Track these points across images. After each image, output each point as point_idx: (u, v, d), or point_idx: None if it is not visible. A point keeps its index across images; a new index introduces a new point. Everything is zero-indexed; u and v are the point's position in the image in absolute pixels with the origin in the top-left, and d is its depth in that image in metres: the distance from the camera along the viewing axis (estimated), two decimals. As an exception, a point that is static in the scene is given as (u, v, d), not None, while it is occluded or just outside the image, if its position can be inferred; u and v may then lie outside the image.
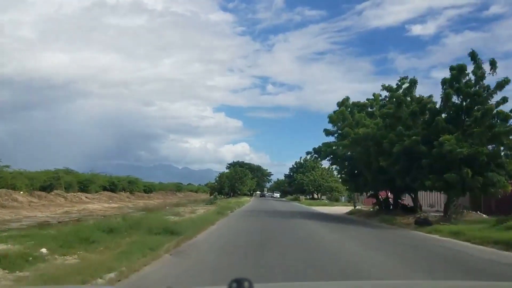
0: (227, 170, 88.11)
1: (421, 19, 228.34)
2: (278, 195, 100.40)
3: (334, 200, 63.44)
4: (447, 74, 19.60)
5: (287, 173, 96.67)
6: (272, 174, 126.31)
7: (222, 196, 71.97)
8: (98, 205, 40.51)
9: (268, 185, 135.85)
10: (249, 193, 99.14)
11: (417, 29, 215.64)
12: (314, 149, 31.35)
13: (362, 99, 28.71)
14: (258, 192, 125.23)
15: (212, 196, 63.66)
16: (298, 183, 79.41)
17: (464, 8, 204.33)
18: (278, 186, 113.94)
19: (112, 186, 52.61)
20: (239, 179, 79.61)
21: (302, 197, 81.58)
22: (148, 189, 69.35)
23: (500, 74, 18.60)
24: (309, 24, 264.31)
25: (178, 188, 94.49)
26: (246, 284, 1.84)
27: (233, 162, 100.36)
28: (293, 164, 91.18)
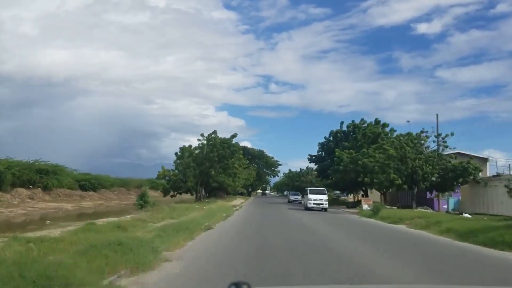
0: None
1: (426, 17, 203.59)
2: (325, 197, 33.46)
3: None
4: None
5: (316, 153, 51.15)
6: (280, 165, 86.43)
7: (199, 198, 43.13)
8: None
9: (272, 181, 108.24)
10: (245, 192, 75.19)
11: (422, 28, 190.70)
12: None
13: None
14: (259, 191, 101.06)
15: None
16: (344, 170, 36.64)
17: (470, 6, 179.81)
18: (288, 183, 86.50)
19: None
20: (218, 162, 37.96)
21: (364, 199, 35.66)
22: (90, 185, 46.98)
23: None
24: (313, 22, 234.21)
25: (152, 185, 71.78)
26: (244, 287, 1.82)
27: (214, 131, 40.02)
28: (327, 136, 48.35)
